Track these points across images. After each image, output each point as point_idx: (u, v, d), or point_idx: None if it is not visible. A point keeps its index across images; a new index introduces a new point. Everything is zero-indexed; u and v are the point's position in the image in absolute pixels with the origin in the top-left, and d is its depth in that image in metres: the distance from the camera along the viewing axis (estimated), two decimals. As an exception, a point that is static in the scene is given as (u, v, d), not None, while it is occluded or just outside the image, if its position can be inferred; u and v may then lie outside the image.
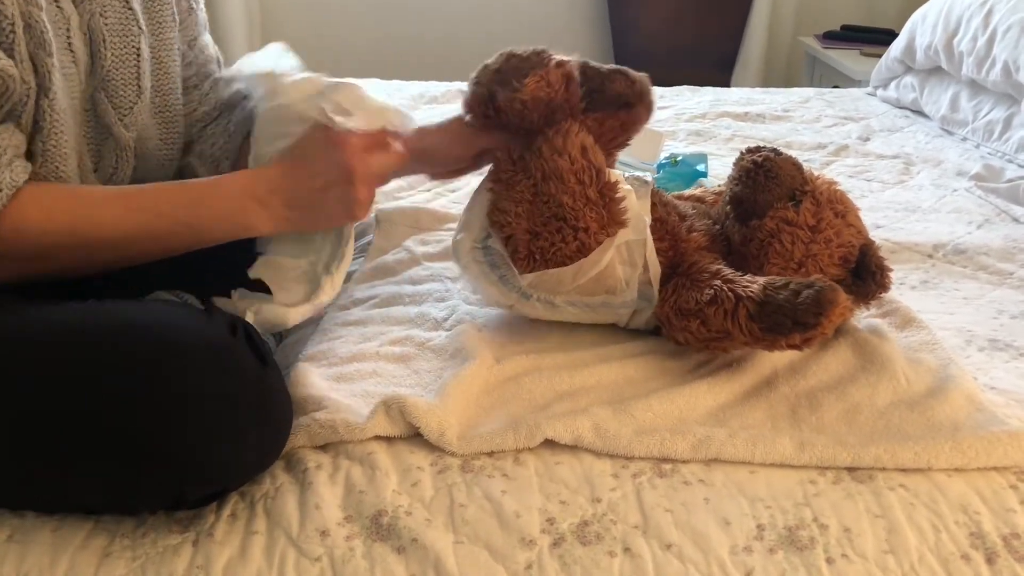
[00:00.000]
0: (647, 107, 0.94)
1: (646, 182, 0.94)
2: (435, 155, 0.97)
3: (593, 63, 0.92)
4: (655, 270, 0.90)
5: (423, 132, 0.96)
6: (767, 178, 0.93)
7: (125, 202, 0.81)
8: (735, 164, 0.97)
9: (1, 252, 0.75)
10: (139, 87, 0.87)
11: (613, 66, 0.93)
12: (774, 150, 0.96)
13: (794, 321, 0.81)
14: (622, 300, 0.90)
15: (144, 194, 0.82)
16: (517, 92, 0.86)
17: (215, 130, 0.99)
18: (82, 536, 0.70)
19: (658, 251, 0.90)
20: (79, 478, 0.68)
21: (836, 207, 0.93)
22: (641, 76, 0.93)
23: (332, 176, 0.84)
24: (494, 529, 0.70)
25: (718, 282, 0.86)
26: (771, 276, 0.86)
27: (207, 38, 1.01)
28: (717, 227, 0.96)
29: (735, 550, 0.69)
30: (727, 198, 0.97)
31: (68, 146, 0.80)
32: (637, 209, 0.90)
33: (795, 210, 0.91)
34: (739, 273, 0.87)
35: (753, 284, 0.84)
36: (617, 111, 0.92)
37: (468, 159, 0.98)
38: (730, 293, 0.83)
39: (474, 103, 0.90)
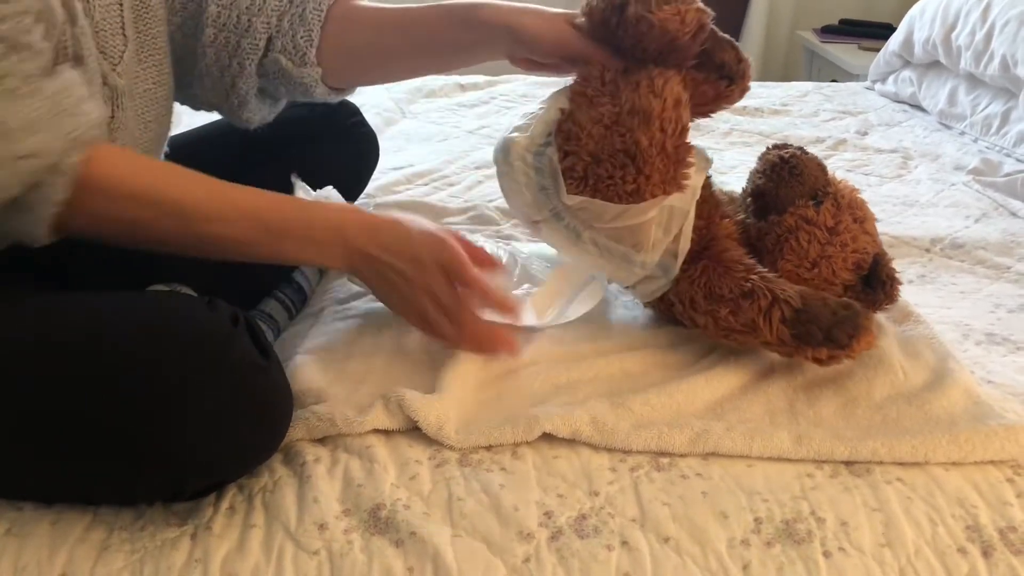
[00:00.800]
0: (742, 89, 0.93)
1: (709, 160, 0.92)
2: (524, 34, 0.91)
3: (714, 26, 0.91)
4: (685, 245, 0.89)
5: (524, 11, 0.92)
6: (791, 175, 0.93)
7: (220, 185, 0.81)
8: (760, 158, 0.98)
9: (89, 192, 0.74)
10: (124, 36, 0.88)
11: (728, 36, 0.92)
12: (801, 148, 0.96)
13: (826, 336, 0.81)
14: (642, 260, 0.89)
15: (241, 190, 0.82)
16: (651, 12, 0.84)
17: (291, 20, 0.96)
18: (80, 529, 0.70)
19: (694, 228, 0.90)
20: (78, 469, 0.68)
21: (856, 212, 0.93)
22: (747, 56, 0.92)
23: (408, 261, 0.84)
24: (492, 523, 0.70)
25: (755, 277, 0.85)
26: (807, 288, 0.86)
27: None
28: (742, 217, 0.96)
29: (732, 543, 0.69)
30: (748, 189, 0.97)
31: (99, 82, 0.81)
32: (694, 181, 0.90)
33: (815, 209, 0.91)
34: (772, 274, 0.87)
35: (790, 289, 0.84)
36: (718, 79, 0.91)
37: (555, 57, 0.92)
38: (768, 291, 0.84)
39: (601, 4, 0.87)
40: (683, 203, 0.88)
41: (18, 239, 0.76)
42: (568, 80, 0.93)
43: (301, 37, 0.95)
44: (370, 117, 1.33)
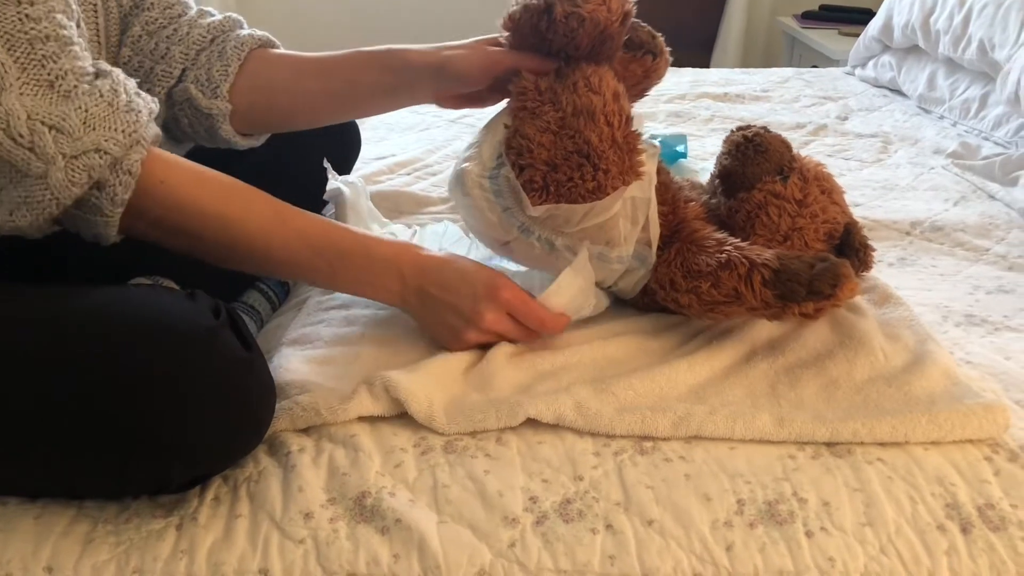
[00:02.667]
0: (666, 60, 0.96)
1: (655, 146, 0.94)
2: (452, 69, 0.91)
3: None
4: (655, 231, 0.90)
5: (444, 48, 0.93)
6: (756, 152, 0.94)
7: (280, 207, 0.83)
8: (724, 140, 0.99)
9: (151, 198, 0.76)
10: (99, 44, 0.87)
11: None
12: (764, 127, 0.98)
13: (809, 290, 0.82)
14: (618, 254, 0.90)
15: (301, 215, 0.84)
16: (578, 7, 0.85)
17: (208, 55, 0.95)
18: (65, 523, 0.70)
19: (659, 214, 0.91)
20: (63, 462, 0.68)
21: (823, 184, 0.95)
22: (658, 33, 0.96)
23: (467, 301, 0.85)
24: (477, 508, 0.71)
25: (730, 247, 0.86)
26: (778, 249, 0.87)
27: None
28: (707, 197, 0.98)
29: (716, 525, 0.70)
30: (715, 171, 0.98)
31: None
32: (648, 169, 0.90)
33: (783, 184, 0.93)
34: (744, 242, 0.88)
35: (765, 252, 0.85)
36: (643, 56, 0.93)
37: (486, 83, 0.92)
38: (744, 259, 0.84)
39: (526, 14, 0.88)
40: (643, 191, 0.89)
41: (90, 239, 0.77)
42: (500, 106, 0.94)
43: (216, 71, 0.93)
44: (351, 107, 1.33)
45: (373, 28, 2.98)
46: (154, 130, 0.77)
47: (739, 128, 0.99)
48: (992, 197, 1.35)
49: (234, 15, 0.99)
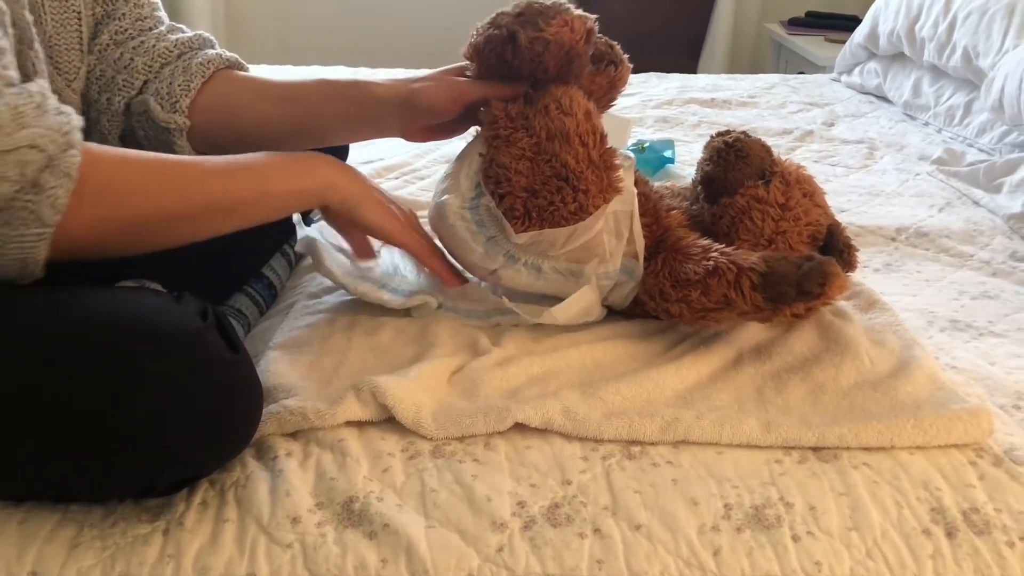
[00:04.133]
0: (627, 68, 0.97)
1: (630, 157, 0.94)
2: (421, 102, 0.92)
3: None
4: (640, 243, 0.90)
5: (410, 81, 0.93)
6: (737, 157, 0.95)
7: (193, 158, 0.82)
8: (705, 147, 0.99)
9: (85, 187, 0.72)
10: (81, 51, 0.86)
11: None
12: (744, 132, 0.98)
13: (798, 291, 0.82)
14: (605, 270, 0.90)
15: (207, 157, 0.83)
16: (542, 32, 0.85)
17: (172, 70, 0.94)
18: (49, 527, 0.69)
19: (642, 225, 0.91)
20: (48, 465, 0.67)
21: (804, 187, 0.96)
22: (614, 42, 0.98)
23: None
24: (465, 513, 0.71)
25: (715, 254, 0.87)
26: (764, 252, 0.87)
27: None
28: (688, 204, 0.98)
29: (703, 529, 0.70)
30: (698, 178, 0.99)
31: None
32: (625, 182, 0.91)
33: (765, 188, 0.93)
34: (730, 247, 0.88)
35: (751, 256, 0.85)
36: (606, 68, 0.95)
37: (454, 113, 0.93)
38: (731, 264, 0.85)
39: (489, 44, 0.88)
40: (625, 205, 0.90)
41: (13, 275, 0.73)
42: (470, 135, 0.95)
43: (179, 85, 0.93)
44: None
45: (359, 35, 2.97)
46: (81, 137, 0.74)
47: (719, 134, 0.99)
48: (976, 203, 1.36)
49: (205, 34, 0.99)
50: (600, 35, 0.94)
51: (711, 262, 0.86)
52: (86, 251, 0.75)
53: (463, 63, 0.94)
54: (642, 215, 0.91)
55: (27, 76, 0.76)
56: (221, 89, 0.95)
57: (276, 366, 0.86)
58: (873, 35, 1.97)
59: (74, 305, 0.70)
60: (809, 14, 2.89)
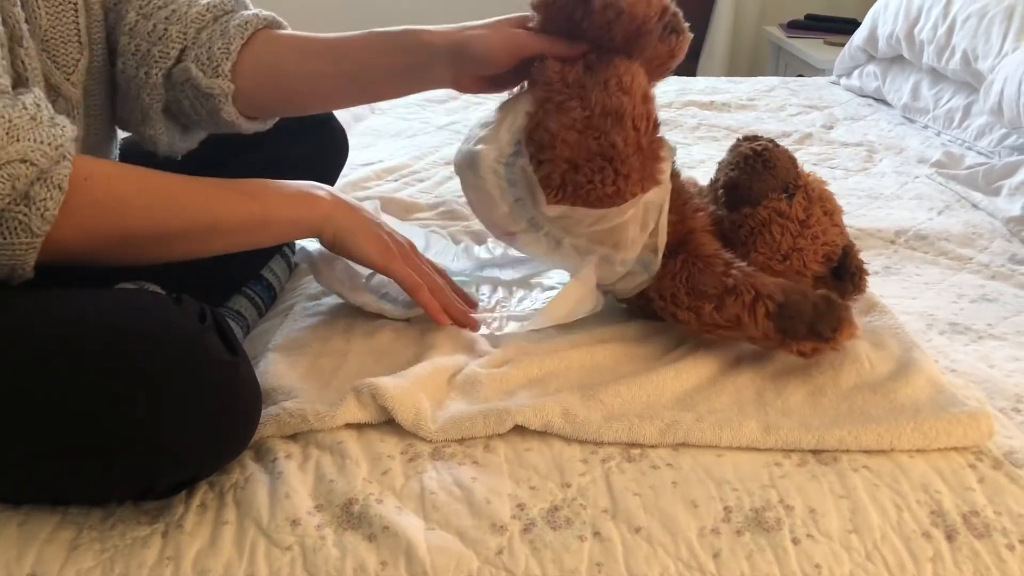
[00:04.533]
0: (687, 38, 0.90)
1: (673, 148, 0.91)
2: (474, 50, 0.87)
3: None
4: (663, 238, 0.89)
5: (464, 28, 0.89)
6: (764, 167, 0.93)
7: (192, 178, 0.82)
8: (731, 150, 0.98)
9: (77, 201, 0.72)
10: (80, 43, 0.85)
11: None
12: (772, 140, 0.97)
13: (810, 329, 0.82)
14: (622, 258, 0.89)
15: (208, 179, 0.83)
16: None
17: (210, 33, 0.91)
18: (49, 529, 0.69)
19: (668, 222, 0.90)
20: (47, 467, 0.67)
21: (825, 205, 0.95)
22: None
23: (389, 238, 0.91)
24: (465, 515, 0.70)
25: (737, 272, 0.86)
26: (786, 281, 0.87)
27: None
28: (714, 208, 0.97)
29: (703, 532, 0.70)
30: (720, 182, 0.97)
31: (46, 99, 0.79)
32: (665, 173, 0.90)
33: (788, 203, 0.92)
34: (750, 267, 0.88)
35: (771, 282, 0.85)
36: (668, 36, 0.88)
37: (509, 65, 0.88)
38: (750, 287, 0.84)
39: (544, 11, 0.86)
40: (658, 197, 0.88)
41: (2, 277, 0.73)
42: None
43: (218, 48, 0.89)
44: (339, 113, 1.33)
45: (356, 24, 2.97)
46: (76, 148, 0.74)
47: (746, 139, 0.98)
48: (975, 206, 1.36)
49: None
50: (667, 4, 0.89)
51: (731, 280, 0.85)
52: (78, 259, 0.76)
53: (525, 13, 0.89)
54: (670, 212, 0.90)
55: (17, 75, 0.76)
56: (264, 50, 0.91)
57: (275, 368, 0.86)
58: (872, 38, 1.98)
59: (72, 307, 0.70)
60: (808, 17, 2.89)
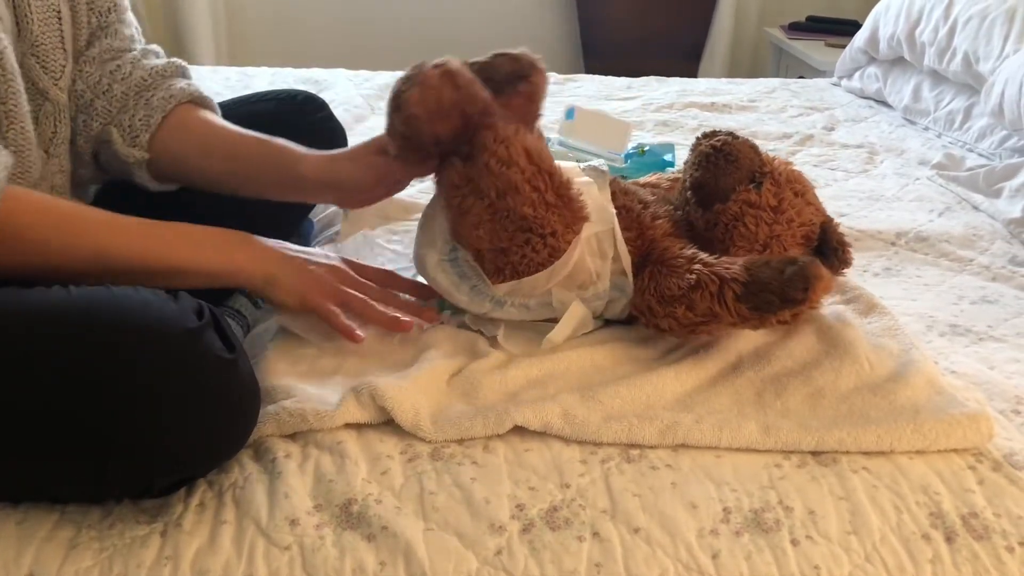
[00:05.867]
0: (541, 73, 0.91)
1: (603, 172, 0.93)
2: (344, 186, 0.94)
3: (473, 59, 0.90)
4: (626, 259, 0.90)
5: (334, 160, 0.94)
6: (727, 162, 0.93)
7: (114, 219, 0.82)
8: (692, 149, 0.97)
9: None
10: (64, 50, 0.87)
11: (492, 52, 0.91)
12: (730, 133, 0.96)
13: (781, 298, 0.81)
14: (594, 292, 0.90)
15: (133, 219, 0.83)
16: (406, 110, 0.83)
17: (136, 101, 0.95)
18: (48, 528, 0.69)
19: (626, 240, 0.90)
20: (43, 465, 0.67)
21: (795, 186, 0.94)
22: (521, 49, 0.92)
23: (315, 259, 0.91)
24: (464, 516, 0.70)
25: (698, 266, 0.86)
26: (748, 256, 0.87)
27: (128, 16, 0.99)
28: (679, 212, 0.97)
29: (702, 533, 0.70)
30: (687, 183, 0.96)
31: (24, 107, 0.80)
32: (600, 199, 0.90)
33: (757, 192, 0.92)
34: (713, 256, 0.88)
35: (734, 265, 0.84)
36: (517, 87, 0.90)
37: (380, 189, 0.96)
38: (713, 276, 0.84)
39: (394, 143, 0.87)
40: (603, 223, 0.89)
41: None
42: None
43: (139, 120, 0.95)
44: (340, 113, 1.33)
45: (360, 34, 2.98)
46: (3, 181, 0.75)
47: (705, 136, 0.97)
48: (976, 208, 1.36)
49: (178, 61, 1.00)
50: (500, 52, 0.90)
51: (693, 275, 0.85)
52: (11, 279, 0.76)
53: (382, 137, 0.91)
54: (625, 229, 0.90)
55: None
56: (172, 136, 0.96)
57: (275, 367, 0.86)
58: (873, 40, 1.98)
59: (67, 305, 0.70)
60: (809, 18, 2.89)
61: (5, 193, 0.74)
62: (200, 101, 0.99)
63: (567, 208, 0.86)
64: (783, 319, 0.84)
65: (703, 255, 0.88)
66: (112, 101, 0.94)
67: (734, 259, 0.86)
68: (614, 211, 0.91)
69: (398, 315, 0.91)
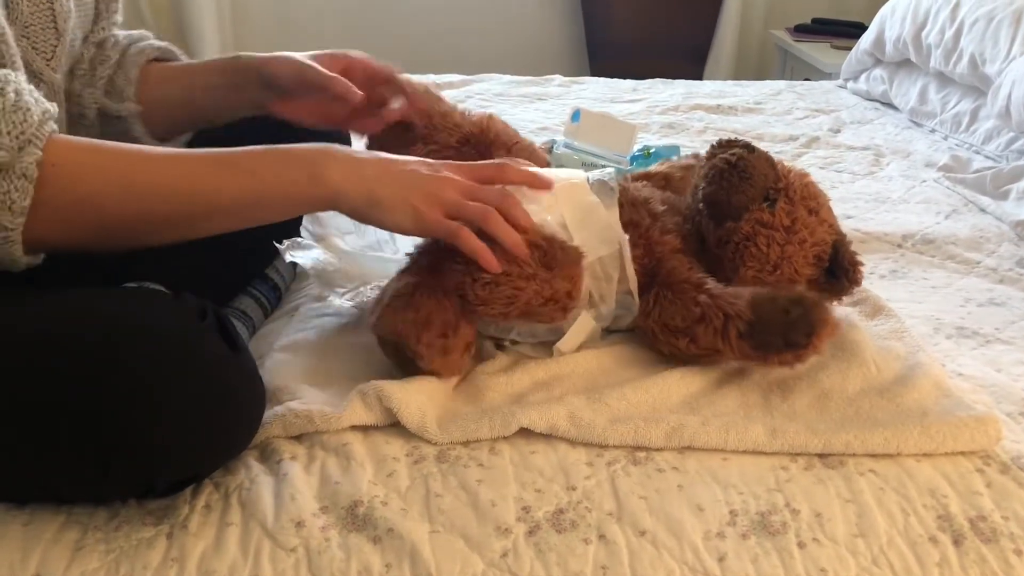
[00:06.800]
0: (413, 92, 0.99)
1: (612, 189, 0.90)
2: (266, 71, 0.97)
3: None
4: (633, 280, 0.88)
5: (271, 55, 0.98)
6: (741, 179, 0.90)
7: (177, 154, 0.79)
8: (706, 158, 0.94)
9: (45, 194, 0.70)
10: (57, 30, 0.86)
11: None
12: (747, 145, 0.93)
13: (784, 341, 0.81)
14: (599, 312, 0.89)
15: (197, 153, 0.79)
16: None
17: (119, 65, 1.00)
18: (54, 530, 0.69)
19: (633, 257, 0.89)
20: (46, 465, 0.67)
21: (809, 204, 0.92)
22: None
23: (420, 165, 0.82)
24: (470, 518, 0.70)
25: (704, 298, 0.85)
26: (755, 289, 0.85)
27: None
28: (688, 226, 0.95)
29: (708, 536, 0.70)
30: (699, 195, 0.93)
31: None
32: (606, 219, 0.89)
33: (770, 212, 0.90)
34: (720, 284, 0.87)
35: (739, 300, 0.83)
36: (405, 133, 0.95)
37: (296, 88, 0.97)
38: (719, 312, 0.83)
39: None
40: (608, 246, 0.87)
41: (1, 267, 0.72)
42: None
43: (121, 78, 0.99)
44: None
45: (365, 29, 2.98)
46: (49, 128, 0.71)
47: (720, 145, 0.93)
48: (983, 210, 1.36)
49: (142, 31, 1.06)
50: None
51: (699, 308, 0.84)
52: (62, 250, 0.74)
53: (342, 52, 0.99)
54: (633, 246, 0.89)
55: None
56: (152, 87, 1.00)
57: (281, 368, 0.86)
58: (879, 42, 1.97)
59: (68, 305, 0.70)
60: (815, 21, 2.89)
61: (48, 146, 0.70)
62: (168, 54, 1.04)
63: (561, 262, 0.83)
64: (785, 361, 0.82)
65: (710, 282, 0.87)
66: (105, 70, 0.98)
67: (740, 291, 0.85)
68: (622, 232, 0.89)
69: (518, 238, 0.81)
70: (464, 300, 0.82)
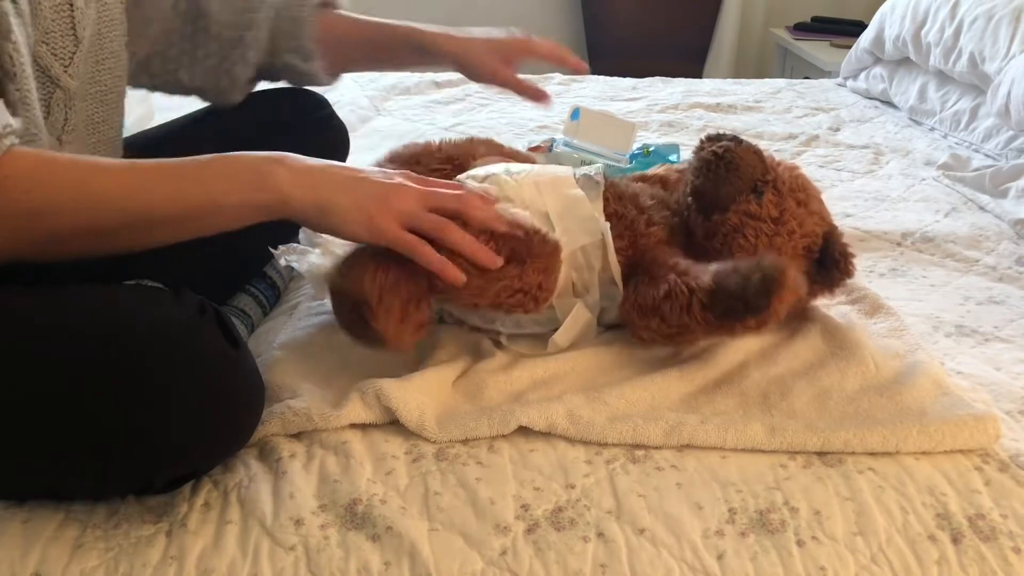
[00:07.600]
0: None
1: (597, 182, 0.91)
2: (465, 59, 1.14)
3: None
4: (616, 269, 0.88)
5: (468, 39, 1.15)
6: (728, 170, 0.90)
7: (129, 165, 0.76)
8: (694, 153, 0.94)
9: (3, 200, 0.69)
10: (76, 36, 0.86)
11: None
12: (734, 138, 0.93)
13: (746, 306, 0.80)
14: (584, 302, 0.89)
15: (147, 162, 0.77)
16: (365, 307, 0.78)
17: (287, 23, 1.10)
18: (53, 527, 0.69)
19: (617, 249, 0.89)
20: (45, 459, 0.67)
21: (798, 195, 0.92)
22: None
23: (374, 173, 0.80)
24: (469, 516, 0.70)
25: (672, 276, 0.84)
26: (722, 262, 0.85)
27: None
28: (676, 219, 0.95)
29: (707, 534, 0.70)
30: (688, 189, 0.94)
31: (35, 94, 0.79)
32: (590, 210, 0.89)
33: (757, 203, 0.90)
34: (694, 263, 0.86)
35: (704, 274, 0.83)
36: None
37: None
38: (683, 286, 0.83)
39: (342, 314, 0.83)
40: (590, 236, 0.87)
41: None
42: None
43: (305, 38, 1.09)
44: (344, 114, 1.33)
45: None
46: (9, 142, 0.70)
47: (708, 139, 0.94)
48: (982, 209, 1.36)
49: None
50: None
51: (667, 284, 0.83)
52: (14, 259, 0.72)
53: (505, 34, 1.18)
54: (617, 237, 0.89)
55: (4, 71, 0.76)
56: (325, 42, 1.12)
57: (280, 366, 0.86)
58: (879, 40, 1.97)
59: (66, 302, 0.70)
60: (815, 19, 2.89)
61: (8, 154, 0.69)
62: (333, 4, 1.14)
63: (538, 267, 0.83)
64: (749, 327, 0.81)
65: (683, 263, 0.86)
66: (259, 30, 1.07)
67: (708, 266, 0.84)
68: (605, 222, 0.89)
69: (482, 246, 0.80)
70: (432, 287, 0.81)
